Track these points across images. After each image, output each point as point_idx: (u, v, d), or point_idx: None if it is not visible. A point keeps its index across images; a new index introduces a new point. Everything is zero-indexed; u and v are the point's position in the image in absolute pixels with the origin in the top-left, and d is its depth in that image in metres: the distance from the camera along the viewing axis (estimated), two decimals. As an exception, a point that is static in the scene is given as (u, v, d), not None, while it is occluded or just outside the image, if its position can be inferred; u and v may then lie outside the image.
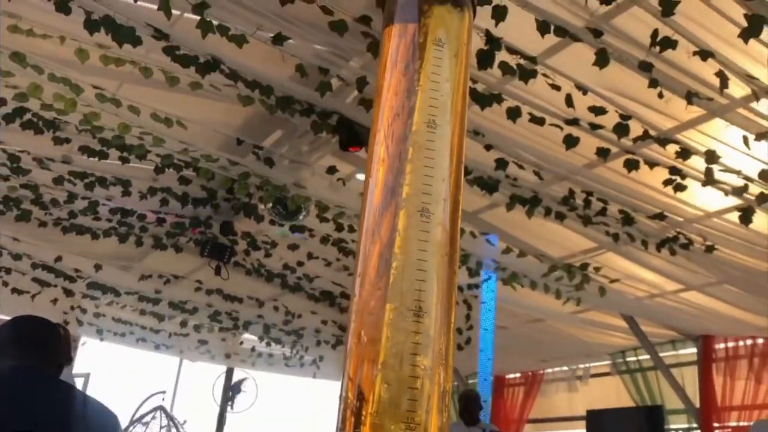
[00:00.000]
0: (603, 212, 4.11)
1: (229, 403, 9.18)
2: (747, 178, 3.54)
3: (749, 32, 2.47)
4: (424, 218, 0.60)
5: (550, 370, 8.52)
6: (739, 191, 3.60)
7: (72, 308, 7.16)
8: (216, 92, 3.62)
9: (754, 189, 3.59)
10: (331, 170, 4.29)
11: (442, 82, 0.66)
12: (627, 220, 4.12)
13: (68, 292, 6.64)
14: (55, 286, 6.52)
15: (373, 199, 0.63)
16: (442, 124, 0.64)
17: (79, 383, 7.90)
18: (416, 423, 0.54)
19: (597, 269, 5.10)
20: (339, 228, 5.01)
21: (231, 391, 9.23)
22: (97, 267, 6.18)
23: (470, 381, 8.78)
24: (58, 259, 6.01)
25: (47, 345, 1.94)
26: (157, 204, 5.04)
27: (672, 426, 6.91)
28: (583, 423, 7.31)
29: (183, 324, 7.57)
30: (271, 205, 4.74)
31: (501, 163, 3.78)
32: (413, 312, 0.56)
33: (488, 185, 3.93)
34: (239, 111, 3.93)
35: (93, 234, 5.48)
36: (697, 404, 6.42)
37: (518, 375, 8.84)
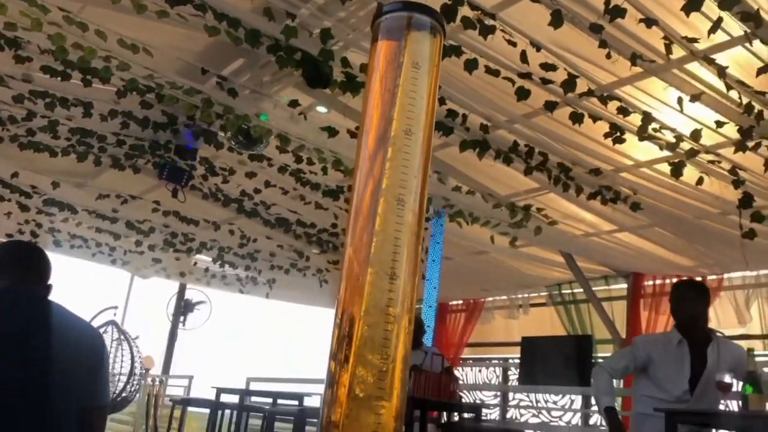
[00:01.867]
0: (543, 163, 4.38)
1: (181, 319, 9.36)
2: (679, 137, 3.82)
3: (690, 6, 2.69)
4: (400, 206, 0.79)
5: (490, 299, 8.97)
6: (672, 147, 3.89)
7: (26, 222, 7.16)
8: (181, 20, 3.64)
9: (685, 145, 3.89)
10: (293, 103, 4.39)
11: (417, 98, 0.84)
12: (564, 170, 4.40)
13: (24, 207, 6.64)
14: (9, 200, 6.53)
15: (361, 192, 0.83)
16: (416, 132, 0.83)
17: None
18: (388, 354, 0.74)
19: (540, 210, 5.39)
20: (298, 159, 5.13)
21: (183, 308, 9.40)
22: (55, 185, 6.18)
23: (416, 307, 9.16)
24: (15, 174, 5.98)
25: (37, 267, 2.07)
26: (117, 126, 5.08)
27: (600, 354, 7.39)
28: (518, 348, 7.82)
29: (138, 243, 7.65)
30: (231, 134, 4.81)
31: (452, 113, 4.01)
32: (388, 275, 0.74)
33: (445, 127, 4.13)
34: (201, 37, 3.90)
35: (51, 151, 5.44)
36: (624, 335, 6.89)
37: (460, 302, 9.28)
